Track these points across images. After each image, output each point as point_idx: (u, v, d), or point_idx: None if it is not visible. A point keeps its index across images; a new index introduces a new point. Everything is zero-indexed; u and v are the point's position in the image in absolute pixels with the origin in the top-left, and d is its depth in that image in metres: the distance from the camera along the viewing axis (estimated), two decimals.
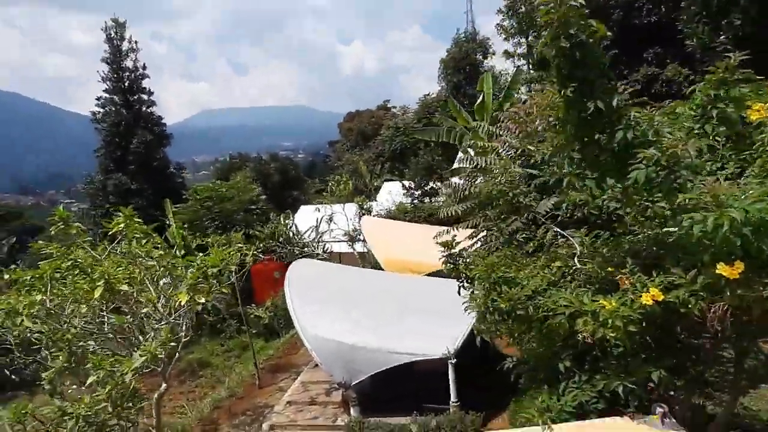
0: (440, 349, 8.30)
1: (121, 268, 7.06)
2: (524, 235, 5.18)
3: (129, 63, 32.06)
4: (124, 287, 6.79)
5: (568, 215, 4.98)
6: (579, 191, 4.20)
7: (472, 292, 4.28)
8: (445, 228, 9.72)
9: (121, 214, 7.42)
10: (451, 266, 4.86)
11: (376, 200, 26.59)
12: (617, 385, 3.25)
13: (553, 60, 3.25)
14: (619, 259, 3.81)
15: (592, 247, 4.65)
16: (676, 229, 3.21)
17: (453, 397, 8.40)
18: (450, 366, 8.28)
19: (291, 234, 20.19)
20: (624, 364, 3.36)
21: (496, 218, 6.67)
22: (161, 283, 7.20)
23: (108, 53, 31.55)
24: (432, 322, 9.14)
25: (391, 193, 27.18)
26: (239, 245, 8.75)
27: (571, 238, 4.74)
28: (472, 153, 19.88)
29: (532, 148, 7.17)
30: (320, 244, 21.24)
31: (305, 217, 22.96)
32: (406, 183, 30.04)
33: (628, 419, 3.27)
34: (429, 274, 13.00)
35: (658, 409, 3.27)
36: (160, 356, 6.08)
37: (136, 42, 32.11)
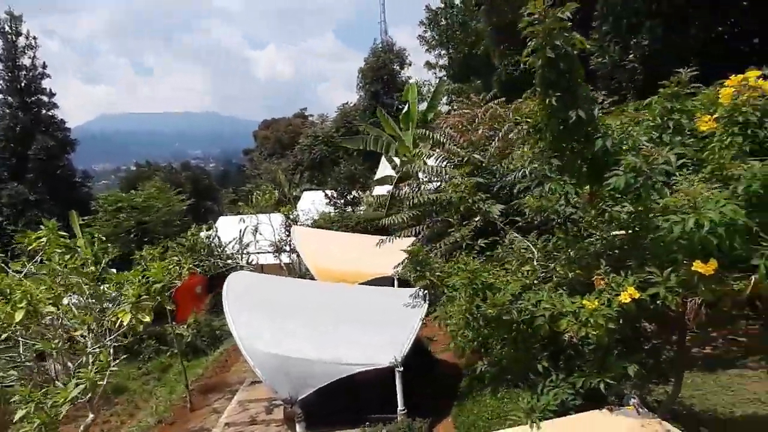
0: (387, 358, 8.26)
1: (43, 288, 6.35)
2: (485, 241, 5.29)
3: (26, 61, 29.00)
4: (50, 308, 6.12)
5: (528, 220, 5.18)
6: (543, 197, 4.38)
7: (442, 302, 4.31)
8: (388, 237, 9.78)
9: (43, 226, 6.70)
10: (418, 275, 4.85)
11: (296, 210, 26.11)
12: (598, 381, 3.41)
13: (539, 69, 3.38)
14: (586, 261, 4.01)
15: (547, 250, 4.87)
16: (649, 231, 3.45)
17: (400, 405, 8.38)
18: (397, 374, 8.27)
19: (213, 246, 19.34)
20: (600, 361, 3.53)
21: (450, 224, 6.81)
22: (89, 301, 6.56)
23: (1, 49, 28.26)
24: (375, 331, 9.09)
25: (315, 202, 26.86)
26: (174, 258, 8.21)
27: (526, 242, 4.91)
28: (397, 161, 20.26)
29: (478, 156, 7.44)
30: (245, 255, 20.53)
31: (226, 228, 22.07)
32: (329, 192, 29.90)
33: (606, 412, 3.44)
34: (363, 283, 13.02)
35: (632, 400, 3.47)
36: (100, 383, 5.52)
37: (34, 38, 29.19)
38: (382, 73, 45.37)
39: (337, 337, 8.87)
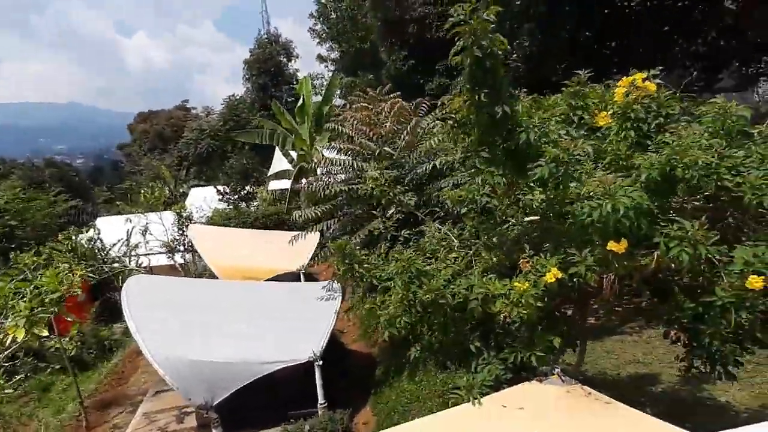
0: (304, 353, 8.21)
1: None
2: (408, 232, 5.48)
3: None
4: None
5: (447, 211, 5.44)
6: (463, 189, 4.66)
7: (357, 294, 4.39)
8: (300, 232, 9.67)
9: None
10: (347, 267, 4.91)
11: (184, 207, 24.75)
12: (529, 355, 3.74)
13: (467, 68, 3.58)
14: (507, 247, 4.35)
15: (463, 238, 5.19)
16: (561, 216, 3.84)
17: (321, 399, 8.39)
18: (317, 368, 8.25)
19: (96, 249, 17.70)
20: (529, 337, 3.87)
21: (363, 217, 6.93)
22: None
23: None
24: (290, 327, 9.02)
25: (206, 199, 25.60)
26: (64, 264, 7.45)
27: (446, 231, 5.19)
28: (294, 155, 20.00)
29: (388, 149, 7.63)
30: (133, 258, 19.07)
31: (106, 230, 20.28)
32: (221, 188, 28.72)
33: (536, 383, 3.78)
34: (268, 279, 12.76)
35: (556, 369, 3.86)
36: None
37: None
38: (269, 66, 44.27)
39: (252, 336, 8.64)
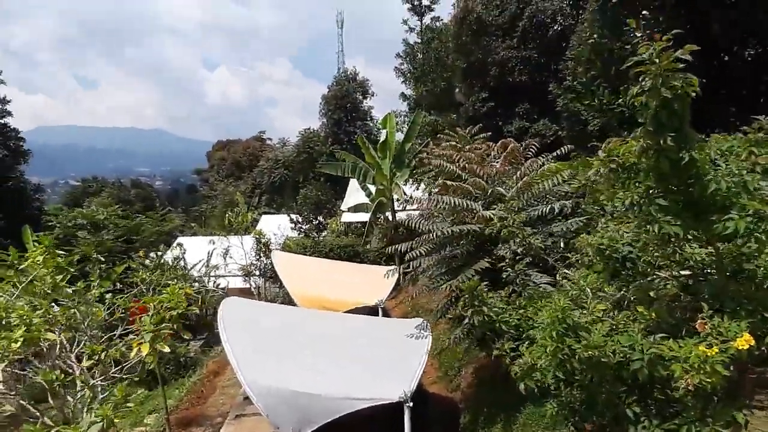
0: (393, 393, 7.94)
1: (39, 312, 5.70)
2: (543, 278, 5.17)
3: None
4: (50, 336, 5.49)
5: (578, 257, 5.13)
6: (603, 236, 4.35)
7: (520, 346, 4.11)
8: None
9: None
10: (475, 310, 4.68)
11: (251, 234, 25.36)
12: (709, 430, 3.32)
13: (652, 109, 3.36)
14: (666, 303, 3.98)
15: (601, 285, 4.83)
16: (740, 273, 3.45)
17: None
18: (406, 409, 7.95)
19: (179, 268, 18.40)
20: (703, 408, 3.46)
21: (471, 256, 6.73)
22: (93, 331, 5.94)
23: None
24: (379, 364, 8.80)
25: (281, 227, 26.15)
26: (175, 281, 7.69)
27: (581, 281, 4.86)
28: (373, 189, 20.16)
29: (501, 189, 7.43)
30: (212, 278, 19.68)
31: (188, 249, 21.10)
32: (293, 216, 29.42)
33: None
34: (346, 312, 12.67)
35: None
36: (117, 421, 4.95)
37: None
38: (345, 102, 45.72)
39: (341, 370, 8.48)
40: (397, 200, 19.60)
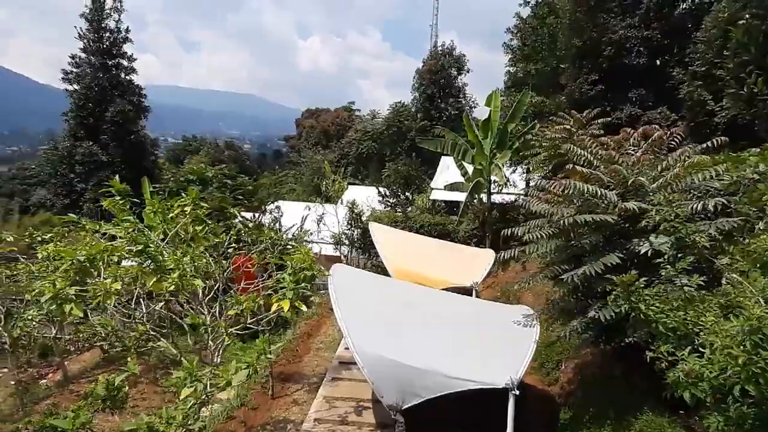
0: (499, 378, 7.80)
1: (186, 258, 6.07)
2: (702, 279, 4.75)
3: (111, 23, 29.11)
4: (198, 282, 5.85)
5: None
6: None
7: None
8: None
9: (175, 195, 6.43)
10: (632, 306, 4.38)
11: (341, 202, 25.82)
12: None
13: None
14: None
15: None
16: None
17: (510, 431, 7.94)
18: (511, 397, 7.82)
19: (276, 229, 19.17)
20: None
21: (604, 249, 6.37)
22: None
23: (89, 9, 28.42)
24: (486, 347, 8.69)
25: (369, 198, 26.42)
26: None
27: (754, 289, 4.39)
28: (470, 169, 19.76)
29: (643, 179, 6.93)
30: (304, 243, 20.34)
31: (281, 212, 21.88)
32: (382, 190, 29.64)
33: None
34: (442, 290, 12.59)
35: None
36: (259, 369, 5.22)
37: (120, 1, 29.21)
38: (439, 77, 44.98)
39: (447, 348, 8.46)
40: (495, 182, 19.14)
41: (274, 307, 5.42)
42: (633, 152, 7.55)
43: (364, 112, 61.93)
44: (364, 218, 20.47)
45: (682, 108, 20.68)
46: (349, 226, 20.42)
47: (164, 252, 5.69)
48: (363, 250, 20.36)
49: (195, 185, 18.68)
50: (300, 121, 78.28)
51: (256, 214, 19.10)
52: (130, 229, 5.79)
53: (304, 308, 5.60)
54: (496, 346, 8.76)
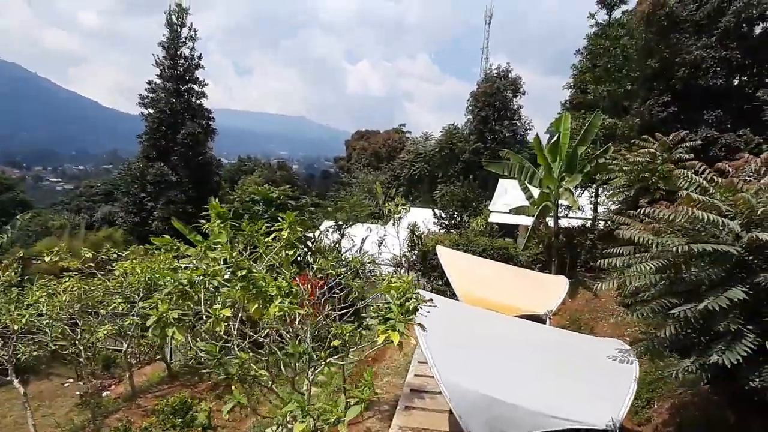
0: (598, 418, 7.22)
1: (284, 284, 5.91)
2: None
3: (186, 51, 30.67)
4: (301, 310, 5.69)
5: None
6: None
7: None
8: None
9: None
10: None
11: (394, 224, 25.51)
12: None
13: None
14: None
15: None
16: None
17: None
18: None
19: (338, 251, 19.10)
20: None
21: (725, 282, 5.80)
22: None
23: (166, 38, 30.05)
24: (580, 382, 8.10)
25: (426, 221, 26.07)
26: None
27: None
28: (535, 192, 19.17)
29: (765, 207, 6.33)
30: (363, 266, 20.18)
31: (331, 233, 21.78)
32: (437, 212, 29.31)
33: None
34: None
35: None
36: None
37: (195, 30, 30.79)
38: (494, 99, 44.57)
39: (536, 381, 7.94)
40: (566, 206, 18.45)
41: (381, 338, 5.13)
42: (754, 178, 6.94)
43: (413, 135, 62.15)
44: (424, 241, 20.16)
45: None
46: (411, 249, 20.13)
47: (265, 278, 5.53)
48: (423, 273, 19.99)
49: (259, 205, 18.93)
50: (350, 143, 79.25)
51: (317, 235, 19.11)
52: (232, 253, 5.65)
53: (396, 339, 5.29)
54: (589, 382, 8.17)
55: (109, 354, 18.29)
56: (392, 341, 5.20)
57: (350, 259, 18.39)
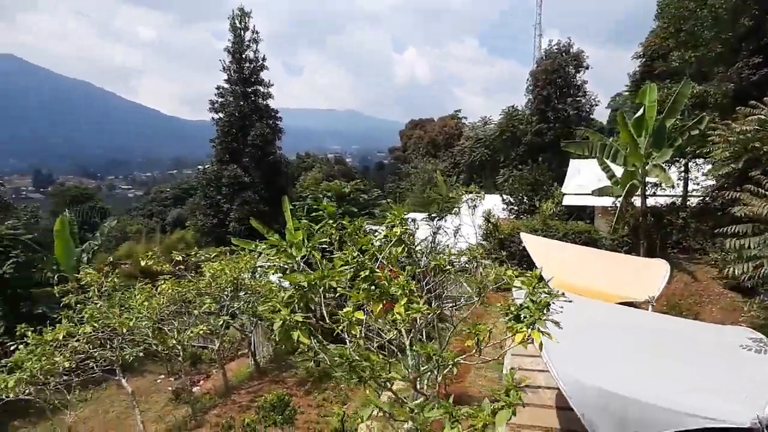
0: (738, 415, 6.56)
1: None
2: None
3: (250, 54, 31.26)
4: (423, 308, 5.46)
5: None
6: None
7: None
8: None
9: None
10: None
11: (456, 212, 24.83)
12: None
13: None
14: None
15: None
16: None
17: None
18: None
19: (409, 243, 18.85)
20: None
21: None
22: None
23: (231, 42, 30.82)
24: (708, 375, 7.43)
25: (495, 207, 25.34)
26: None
27: None
28: (618, 171, 18.10)
29: None
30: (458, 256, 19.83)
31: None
32: (505, 197, 28.54)
33: None
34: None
35: None
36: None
37: (257, 32, 31.32)
38: (555, 77, 42.76)
39: (666, 377, 7.36)
40: (652, 183, 17.34)
41: (519, 337, 4.80)
42: None
43: (469, 120, 60.94)
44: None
45: None
46: (486, 237, 19.59)
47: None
48: (501, 262, 19.38)
49: (331, 201, 18.96)
50: (404, 132, 78.71)
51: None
52: (353, 255, 5.47)
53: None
54: (722, 375, 7.47)
55: (195, 351, 19.00)
56: (532, 340, 4.86)
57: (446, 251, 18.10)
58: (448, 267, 8.95)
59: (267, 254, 16.75)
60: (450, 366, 5.76)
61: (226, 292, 14.20)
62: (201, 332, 13.29)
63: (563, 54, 43.19)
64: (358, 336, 5.46)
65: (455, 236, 19.41)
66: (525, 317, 5.10)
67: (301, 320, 5.32)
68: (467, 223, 19.08)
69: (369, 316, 6.01)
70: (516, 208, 28.03)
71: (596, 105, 42.35)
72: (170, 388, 17.26)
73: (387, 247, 6.46)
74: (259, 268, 15.27)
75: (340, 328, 5.09)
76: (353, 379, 4.98)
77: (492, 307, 11.13)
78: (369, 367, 5.01)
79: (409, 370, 6.29)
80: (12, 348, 10.89)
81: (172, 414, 14.39)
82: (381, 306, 5.29)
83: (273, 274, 15.47)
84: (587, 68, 43.32)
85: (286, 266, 16.32)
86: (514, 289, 8.75)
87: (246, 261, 14.24)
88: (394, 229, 6.09)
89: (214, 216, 28.56)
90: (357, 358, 5.04)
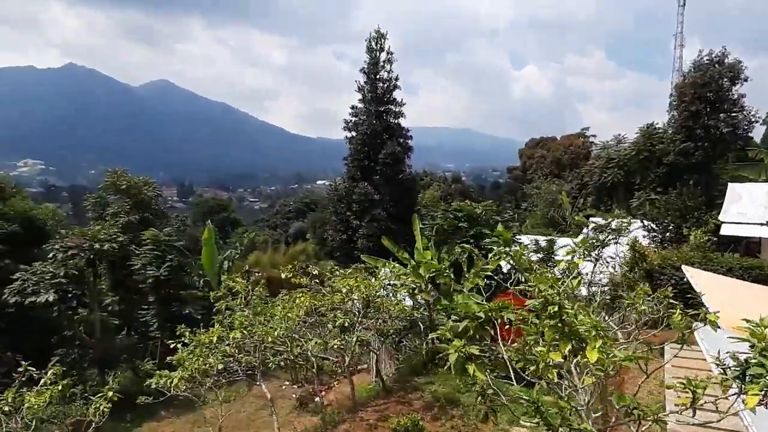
0: None
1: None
2: None
3: (384, 74, 32.31)
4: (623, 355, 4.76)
5: None
6: None
7: None
8: None
9: None
10: None
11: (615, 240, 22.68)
12: None
13: None
14: None
15: None
16: None
17: None
18: None
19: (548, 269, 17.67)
20: None
21: None
22: None
23: (367, 63, 32.11)
24: None
25: (634, 233, 22.96)
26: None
27: None
28: None
29: None
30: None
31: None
32: (647, 223, 26.05)
33: None
34: None
35: None
36: None
37: (392, 53, 32.31)
38: (706, 90, 38.55)
39: None
40: None
41: (752, 402, 3.91)
42: None
43: (597, 139, 57.24)
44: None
45: None
46: (631, 269, 17.82)
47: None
48: (663, 298, 17.43)
49: (463, 222, 18.46)
50: (524, 151, 76.13)
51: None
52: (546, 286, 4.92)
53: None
54: None
55: (318, 362, 19.44)
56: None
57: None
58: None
59: (397, 273, 16.51)
60: (651, 422, 4.93)
61: (357, 308, 14.25)
62: (335, 347, 13.38)
63: (716, 65, 38.93)
64: (554, 380, 4.84)
65: (595, 266, 17.92)
66: (754, 376, 4.14)
67: (477, 353, 4.89)
68: (609, 253, 17.47)
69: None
70: (659, 236, 25.49)
71: (756, 121, 37.49)
72: (294, 396, 17.70)
73: (567, 279, 5.82)
74: (388, 286, 15.18)
75: (532, 369, 4.54)
76: (541, 425, 4.40)
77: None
78: (559, 414, 4.41)
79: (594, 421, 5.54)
80: (171, 345, 11.80)
81: (300, 422, 14.66)
82: (570, 347, 4.66)
83: (402, 292, 15.33)
84: (746, 80, 38.64)
85: (414, 286, 15.90)
86: (698, 334, 7.57)
87: (381, 280, 14.24)
88: (575, 260, 5.42)
89: (344, 232, 29.38)
90: (547, 401, 4.46)
